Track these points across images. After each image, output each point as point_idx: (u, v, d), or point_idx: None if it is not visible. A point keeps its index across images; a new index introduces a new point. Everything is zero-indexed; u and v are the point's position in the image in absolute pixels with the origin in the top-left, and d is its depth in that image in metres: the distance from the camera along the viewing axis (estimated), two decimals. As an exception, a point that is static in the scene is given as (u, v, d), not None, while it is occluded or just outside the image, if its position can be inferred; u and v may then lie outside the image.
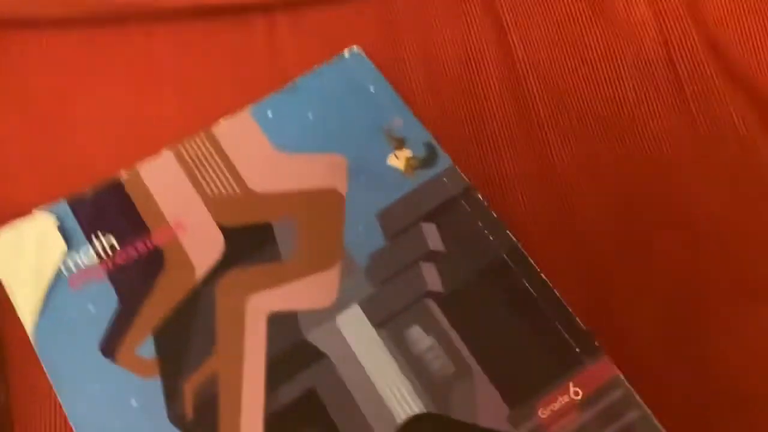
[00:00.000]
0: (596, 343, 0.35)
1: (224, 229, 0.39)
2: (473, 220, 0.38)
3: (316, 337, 0.37)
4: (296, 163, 0.40)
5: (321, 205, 0.39)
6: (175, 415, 0.35)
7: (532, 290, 0.37)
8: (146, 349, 0.37)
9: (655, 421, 0.34)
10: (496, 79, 0.44)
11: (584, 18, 0.46)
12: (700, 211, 0.41)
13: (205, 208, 0.39)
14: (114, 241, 0.38)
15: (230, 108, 0.42)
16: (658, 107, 0.43)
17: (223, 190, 0.40)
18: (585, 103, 0.43)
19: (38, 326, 0.36)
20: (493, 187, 0.41)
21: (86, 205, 0.39)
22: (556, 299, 0.36)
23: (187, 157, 0.40)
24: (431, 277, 0.37)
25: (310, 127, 0.41)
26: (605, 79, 0.44)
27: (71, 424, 0.35)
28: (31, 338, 0.36)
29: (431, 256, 0.38)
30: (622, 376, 0.35)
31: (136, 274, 0.38)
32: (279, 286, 0.38)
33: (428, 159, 0.40)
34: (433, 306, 0.37)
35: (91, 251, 0.38)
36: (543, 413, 0.34)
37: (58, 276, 0.37)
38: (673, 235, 0.40)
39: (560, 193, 0.41)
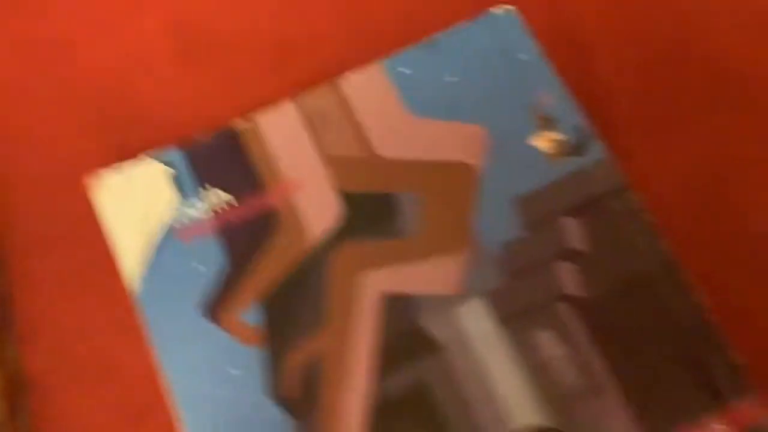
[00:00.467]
0: (747, 378, 0.31)
1: (344, 195, 0.35)
2: (623, 224, 0.34)
3: (433, 326, 0.33)
4: (430, 130, 0.36)
5: (453, 180, 0.35)
6: (273, 390, 0.33)
7: (682, 313, 0.32)
8: (251, 316, 0.34)
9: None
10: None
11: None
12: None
13: (325, 170, 0.36)
14: (227, 196, 0.35)
15: (357, 59, 0.38)
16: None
17: (346, 152, 0.36)
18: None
19: (143, 278, 0.34)
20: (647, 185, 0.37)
21: (200, 155, 0.36)
22: (709, 327, 0.32)
23: (309, 110, 0.37)
24: (569, 279, 0.33)
25: (449, 91, 0.37)
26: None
27: (171, 384, 0.33)
28: (135, 290, 0.34)
29: (571, 256, 0.34)
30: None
31: (248, 234, 0.35)
32: (398, 266, 0.34)
33: (578, 146, 0.35)
34: (567, 310, 0.33)
35: (204, 205, 0.35)
36: (681, 447, 0.31)
37: (167, 228, 0.35)
38: None
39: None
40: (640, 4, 0.40)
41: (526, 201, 0.35)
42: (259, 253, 0.35)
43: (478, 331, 0.33)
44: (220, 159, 0.36)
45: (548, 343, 0.33)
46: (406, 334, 0.33)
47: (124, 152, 0.37)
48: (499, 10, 0.38)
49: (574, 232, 0.34)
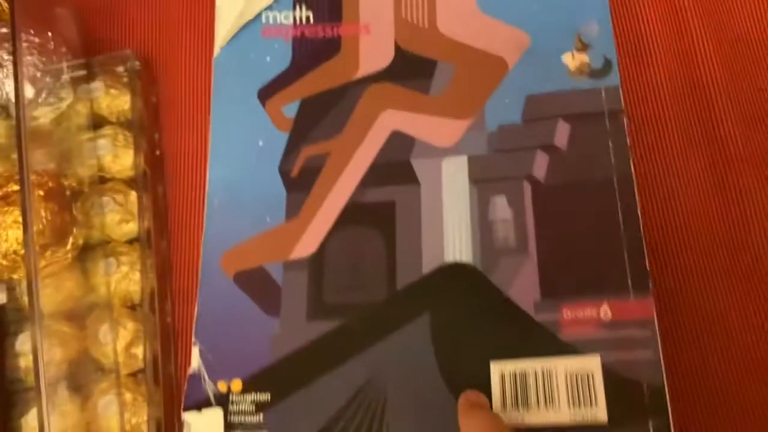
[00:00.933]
0: (649, 284, 0.35)
1: (398, 49, 0.43)
2: (606, 138, 0.39)
3: (419, 165, 0.40)
4: (487, 25, 0.43)
5: (486, 66, 0.42)
6: (284, 167, 0.41)
7: (620, 215, 0.37)
8: (290, 110, 0.42)
9: (663, 368, 0.34)
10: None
11: None
12: None
13: (394, 25, 0.43)
14: (311, 15, 0.44)
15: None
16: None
17: (415, 18, 0.44)
18: None
19: (223, 49, 0.43)
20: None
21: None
22: (638, 235, 0.37)
23: (399, -20, 0.45)
24: (540, 166, 0.39)
25: (517, 1, 0.43)
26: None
27: (211, 132, 0.42)
28: (214, 56, 0.43)
29: (550, 149, 0.39)
30: (656, 321, 0.35)
31: (314, 49, 0.43)
32: (415, 113, 0.41)
33: (601, 71, 0.41)
34: (527, 188, 0.39)
35: (291, 15, 0.44)
36: (566, 314, 0.36)
37: (257, 20, 0.44)
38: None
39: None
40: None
41: (536, 100, 0.41)
42: (316, 66, 0.43)
43: (450, 181, 0.40)
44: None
45: (500, 207, 0.38)
46: (396, 164, 0.40)
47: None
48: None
49: (562, 133, 0.39)
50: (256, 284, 0.39)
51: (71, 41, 0.43)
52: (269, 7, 0.44)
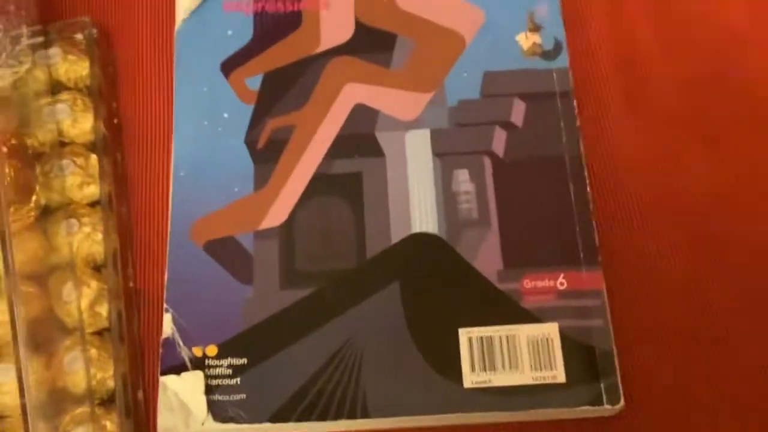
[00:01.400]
0: (599, 258, 0.39)
1: (358, 23, 0.44)
2: (558, 118, 0.42)
3: (383, 137, 0.42)
4: (444, 0, 0.45)
5: (444, 41, 0.44)
6: (250, 139, 0.42)
7: (572, 193, 0.40)
8: (253, 82, 0.43)
9: (611, 334, 0.38)
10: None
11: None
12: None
13: (353, 0, 0.45)
14: (278, -11, 0.45)
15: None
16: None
17: (374, -7, 0.45)
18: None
19: (185, 22, 0.44)
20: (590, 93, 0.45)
21: (265, -47, 0.45)
22: (588, 212, 0.40)
23: (360, -45, 0.46)
24: (498, 142, 0.42)
25: (472, -21, 0.45)
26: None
27: (175, 109, 0.42)
28: (176, 29, 0.43)
29: (508, 126, 0.42)
30: (605, 292, 0.38)
31: (276, 23, 0.44)
32: (377, 86, 0.43)
33: (551, 53, 0.44)
34: (487, 163, 0.41)
35: (251, -11, 0.45)
36: (527, 284, 0.39)
37: (217, -6, 0.44)
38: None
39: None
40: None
41: (493, 76, 0.43)
42: (278, 39, 0.44)
43: (414, 154, 0.42)
44: (277, -40, 0.45)
45: (463, 180, 0.41)
46: (361, 136, 0.42)
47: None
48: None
49: (518, 110, 0.42)
50: (228, 253, 0.41)
51: (30, 7, 0.42)
52: (230, -20, 0.45)
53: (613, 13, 0.47)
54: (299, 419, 0.37)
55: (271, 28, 0.44)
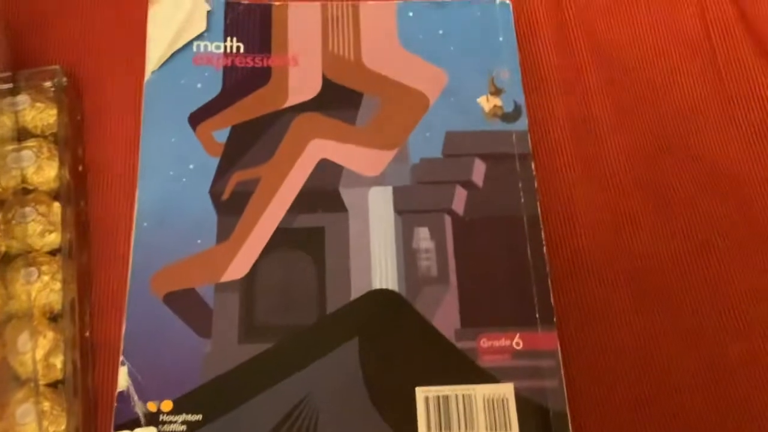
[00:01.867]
0: (554, 319, 0.40)
1: (325, 80, 0.45)
2: (516, 180, 0.43)
3: (347, 193, 0.43)
4: (409, 61, 0.46)
5: (409, 101, 0.45)
6: (214, 191, 0.42)
7: (529, 253, 0.41)
8: (221, 135, 0.44)
9: (565, 394, 0.38)
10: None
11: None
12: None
13: (321, 57, 0.46)
14: (242, 46, 0.45)
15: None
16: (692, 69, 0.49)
17: (341, 52, 0.46)
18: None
19: (154, 74, 0.44)
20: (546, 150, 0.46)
21: (236, 10, 0.46)
22: (545, 273, 0.41)
23: (329, 14, 0.47)
24: (459, 200, 0.43)
25: (437, 42, 0.46)
26: (650, 46, 0.50)
27: (142, 157, 0.43)
28: (145, 80, 0.44)
29: (469, 186, 0.43)
30: (559, 352, 0.39)
31: (244, 78, 0.45)
32: (342, 143, 0.44)
33: (511, 115, 0.45)
34: (448, 221, 0.42)
35: (222, 45, 0.45)
36: (484, 343, 0.39)
37: (189, 48, 0.45)
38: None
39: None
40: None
41: (455, 137, 0.44)
42: (246, 94, 0.45)
43: (376, 210, 0.42)
44: (248, 19, 0.46)
45: (423, 238, 0.42)
46: (325, 191, 0.43)
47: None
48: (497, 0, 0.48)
49: (479, 170, 0.43)
50: (187, 305, 0.41)
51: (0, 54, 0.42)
52: (200, 37, 0.45)
53: (571, 80, 0.49)
54: (254, 477, 0.37)
55: (240, 82, 0.45)
